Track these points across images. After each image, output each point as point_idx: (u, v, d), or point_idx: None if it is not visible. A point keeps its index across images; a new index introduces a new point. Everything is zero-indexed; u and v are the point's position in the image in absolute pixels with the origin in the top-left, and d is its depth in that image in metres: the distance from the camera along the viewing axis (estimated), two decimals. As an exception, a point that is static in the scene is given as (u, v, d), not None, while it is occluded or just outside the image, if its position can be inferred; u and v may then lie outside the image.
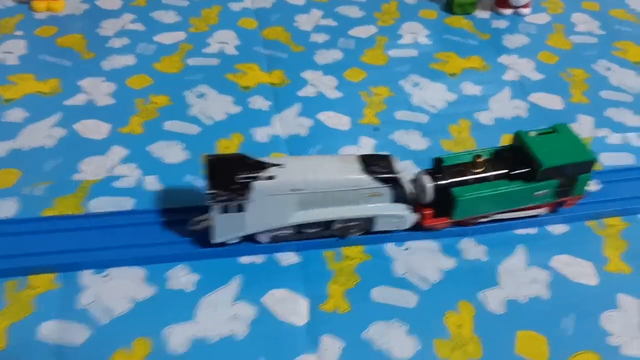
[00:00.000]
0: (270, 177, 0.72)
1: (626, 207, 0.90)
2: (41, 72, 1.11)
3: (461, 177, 0.80)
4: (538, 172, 0.79)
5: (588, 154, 0.82)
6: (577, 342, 0.73)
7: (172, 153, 0.95)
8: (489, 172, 0.80)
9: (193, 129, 1.00)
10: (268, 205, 0.74)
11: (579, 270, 0.82)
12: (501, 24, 1.33)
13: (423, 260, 0.82)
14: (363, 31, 1.29)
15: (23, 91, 1.07)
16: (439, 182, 0.79)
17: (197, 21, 1.28)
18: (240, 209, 0.73)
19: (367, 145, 0.99)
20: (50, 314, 0.72)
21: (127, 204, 0.86)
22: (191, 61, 1.17)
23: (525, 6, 1.35)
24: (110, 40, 1.21)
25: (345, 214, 0.78)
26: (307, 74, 1.15)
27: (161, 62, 1.16)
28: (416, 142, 1.01)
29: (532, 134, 0.82)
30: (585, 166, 0.82)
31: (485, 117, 1.07)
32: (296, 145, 0.98)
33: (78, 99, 1.06)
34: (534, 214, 0.86)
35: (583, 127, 1.06)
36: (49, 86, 1.08)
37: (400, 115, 1.07)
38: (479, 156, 0.80)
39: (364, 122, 1.05)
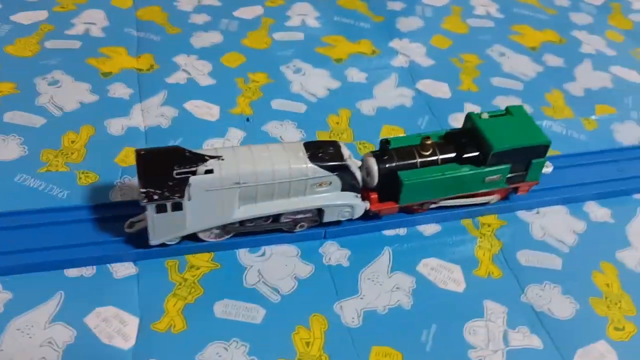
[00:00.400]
0: (209, 171, 0.66)
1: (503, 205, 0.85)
2: None
3: (409, 160, 0.75)
4: (489, 156, 0.75)
5: (542, 138, 0.77)
6: (435, 358, 0.67)
7: (6, 149, 0.84)
8: (437, 155, 0.76)
9: (37, 121, 0.89)
10: (209, 202, 0.68)
11: (447, 275, 0.76)
12: (397, 5, 1.26)
13: (279, 267, 0.74)
14: (248, 12, 1.19)
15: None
16: (385, 165, 0.74)
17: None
18: (178, 207, 0.66)
19: (235, 138, 0.91)
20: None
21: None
22: (49, 44, 1.05)
23: (422, -12, 1.28)
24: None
25: (292, 207, 0.72)
26: (180, 59, 1.05)
27: (15, 44, 1.04)
28: (289, 134, 0.93)
29: (484, 115, 0.78)
30: (540, 150, 0.77)
31: (367, 107, 1.00)
32: (155, 138, 0.89)
33: None
34: (484, 201, 0.82)
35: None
36: None
37: (277, 104, 0.98)
38: (427, 138, 0.76)
39: (236, 112, 0.96)
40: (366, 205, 0.76)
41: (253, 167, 0.68)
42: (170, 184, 0.65)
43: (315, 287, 0.73)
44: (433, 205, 0.80)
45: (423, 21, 1.22)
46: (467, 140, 0.77)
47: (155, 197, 0.64)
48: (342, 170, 0.72)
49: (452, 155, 0.77)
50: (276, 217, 0.73)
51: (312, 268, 0.75)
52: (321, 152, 0.71)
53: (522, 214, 0.85)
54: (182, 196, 0.65)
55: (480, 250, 0.80)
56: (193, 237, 0.72)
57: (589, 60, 1.17)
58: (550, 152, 0.81)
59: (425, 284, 0.75)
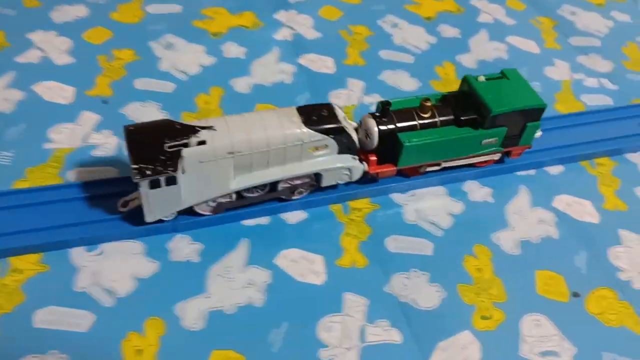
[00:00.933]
0: (202, 142, 0.64)
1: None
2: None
3: (408, 122, 0.75)
4: (487, 118, 0.75)
5: (538, 100, 0.77)
6: (281, 359, 0.61)
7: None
8: (436, 117, 0.76)
9: None
10: (203, 174, 0.66)
11: (307, 267, 0.70)
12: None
13: (117, 266, 0.67)
14: (122, -18, 1.10)
15: None
16: (385, 127, 0.73)
17: None
18: (172, 181, 0.64)
19: (87, 123, 0.83)
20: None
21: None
22: None
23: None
24: None
25: (289, 173, 0.70)
26: (36, 36, 0.95)
27: None
28: (151, 116, 0.85)
29: (481, 78, 0.78)
30: (535, 113, 0.78)
31: (242, 85, 0.92)
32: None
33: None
34: (480, 161, 0.81)
35: (352, 93, 0.94)
36: None
37: (141, 84, 0.90)
38: (426, 100, 0.75)
39: (92, 93, 0.87)
40: (364, 167, 0.75)
41: (247, 135, 0.66)
42: (163, 158, 0.62)
43: (157, 287, 0.66)
44: (430, 169, 0.79)
45: (315, -11, 1.15)
46: (465, 102, 0.77)
47: (148, 172, 0.62)
48: (338, 133, 0.70)
49: (451, 117, 0.76)
50: (273, 186, 0.72)
51: (156, 266, 0.68)
52: (315, 115, 0.69)
53: (396, 197, 0.80)
54: (175, 170, 0.63)
55: (346, 237, 0.74)
56: (189, 211, 0.70)
57: (486, 30, 1.12)
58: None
59: (282, 278, 0.69)
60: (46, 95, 0.86)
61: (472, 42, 1.08)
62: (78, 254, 0.68)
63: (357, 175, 0.74)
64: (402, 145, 0.73)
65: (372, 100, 0.93)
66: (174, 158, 0.63)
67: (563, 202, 0.83)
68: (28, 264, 0.66)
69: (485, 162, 0.82)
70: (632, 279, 0.75)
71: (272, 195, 0.73)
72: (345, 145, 0.72)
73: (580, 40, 1.14)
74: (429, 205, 0.79)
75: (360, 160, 0.74)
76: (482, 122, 0.76)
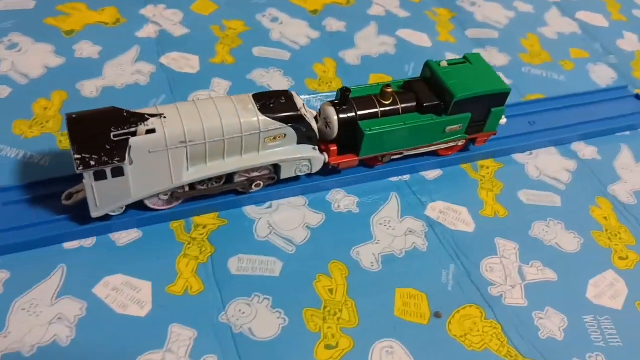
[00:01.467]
0: (151, 131, 0.59)
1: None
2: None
3: (369, 109, 0.71)
4: (451, 104, 0.72)
5: (502, 85, 0.75)
6: None
7: None
8: (398, 104, 0.72)
9: None
10: (153, 165, 0.61)
11: (131, 296, 0.62)
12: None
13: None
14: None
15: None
16: (345, 115, 0.70)
17: None
18: (119, 172, 0.59)
19: None
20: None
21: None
22: None
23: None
24: None
25: (246, 164, 0.66)
26: None
27: None
28: (-21, 125, 0.75)
29: (444, 64, 0.75)
30: (499, 98, 0.75)
31: (90, 88, 0.83)
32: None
33: None
34: (444, 148, 0.79)
35: (214, 95, 0.85)
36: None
37: (-29, 90, 0.80)
38: (387, 86, 0.72)
39: None
40: (325, 157, 0.71)
41: (200, 123, 0.61)
42: (108, 147, 0.58)
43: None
44: (395, 157, 0.76)
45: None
46: (428, 88, 0.74)
47: (92, 162, 0.57)
48: (297, 122, 0.66)
49: (413, 104, 0.73)
50: (229, 177, 0.67)
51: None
52: (272, 102, 0.65)
53: (249, 210, 0.72)
54: (122, 160, 0.58)
55: (183, 259, 0.66)
56: (140, 205, 0.65)
57: (375, 23, 1.05)
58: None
59: (99, 311, 0.60)
60: None
61: (358, 37, 1.01)
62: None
63: (317, 167, 0.71)
64: (363, 134, 0.70)
65: (236, 102, 0.84)
66: (121, 147, 0.58)
67: (437, 209, 0.76)
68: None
69: (450, 149, 0.79)
70: (503, 293, 0.68)
71: (228, 187, 0.68)
72: (305, 135, 0.68)
73: (478, 32, 1.08)
74: (284, 217, 0.71)
75: (321, 151, 0.71)
76: (446, 108, 0.73)
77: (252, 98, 0.65)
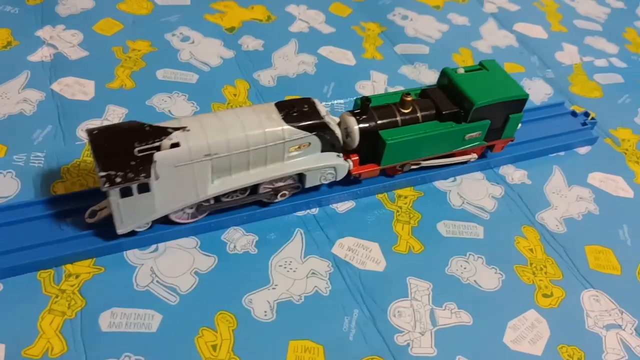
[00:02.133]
0: (175, 145, 0.58)
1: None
2: None
3: (389, 118, 0.71)
4: (470, 111, 0.72)
5: (520, 91, 0.75)
6: None
7: None
8: (417, 112, 0.72)
9: None
10: (178, 179, 0.59)
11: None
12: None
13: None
14: None
15: None
16: (365, 125, 0.69)
17: None
18: (145, 188, 0.58)
19: None
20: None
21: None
22: None
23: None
24: None
25: (271, 174, 0.64)
26: None
27: None
28: None
29: (460, 71, 0.75)
30: (517, 104, 0.75)
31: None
32: None
33: None
34: (463, 160, 0.79)
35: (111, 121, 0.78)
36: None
37: None
38: (407, 94, 0.71)
39: None
40: (350, 164, 0.69)
41: (224, 135, 0.59)
42: (133, 163, 0.56)
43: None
44: (414, 167, 0.76)
45: (94, 1, 0.98)
46: (446, 96, 0.74)
47: (118, 179, 0.56)
48: (321, 129, 0.65)
49: (432, 112, 0.73)
50: (254, 188, 0.66)
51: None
52: (296, 111, 0.64)
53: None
54: (148, 176, 0.57)
55: (48, 316, 0.58)
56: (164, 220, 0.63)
57: (296, 41, 0.98)
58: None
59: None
60: None
61: (276, 56, 0.94)
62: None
63: (341, 175, 0.69)
64: (384, 143, 0.69)
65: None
66: (146, 163, 0.56)
67: (345, 246, 0.69)
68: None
69: (466, 159, 0.79)
70: (411, 342, 0.61)
71: (253, 199, 0.67)
72: (329, 143, 0.66)
73: (408, 48, 1.02)
74: (169, 262, 0.64)
75: (345, 158, 0.70)
76: (465, 115, 0.72)
77: (275, 107, 0.64)
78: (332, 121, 0.66)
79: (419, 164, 0.75)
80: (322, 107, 0.66)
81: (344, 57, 0.97)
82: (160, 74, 0.86)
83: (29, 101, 0.79)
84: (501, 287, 0.68)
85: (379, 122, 0.70)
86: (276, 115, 0.63)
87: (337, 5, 1.08)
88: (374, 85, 0.92)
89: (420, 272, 0.68)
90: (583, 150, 0.89)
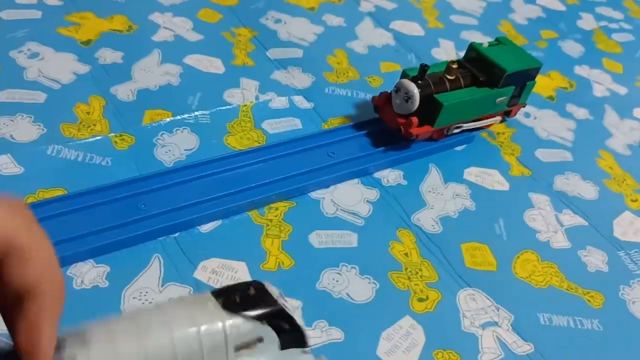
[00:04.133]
0: None
1: None
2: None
3: (440, 84, 0.80)
4: (503, 77, 0.83)
5: (535, 61, 0.87)
6: None
7: None
8: (460, 80, 0.82)
9: None
10: None
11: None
12: None
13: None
14: None
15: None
16: (422, 89, 0.77)
17: None
18: None
19: None
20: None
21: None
22: None
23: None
24: None
25: None
26: None
27: None
28: None
29: (485, 45, 0.86)
30: (533, 73, 0.88)
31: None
32: None
33: None
34: (491, 122, 0.89)
35: None
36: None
37: None
38: (453, 62, 0.82)
39: None
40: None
41: (140, 344, 0.41)
42: None
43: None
44: (455, 130, 0.84)
45: None
46: (478, 66, 0.84)
47: None
48: (276, 317, 0.46)
49: (470, 79, 0.83)
50: None
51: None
52: (239, 296, 0.46)
53: None
54: None
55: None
56: None
57: (159, 51, 0.92)
58: None
59: None
60: None
61: (136, 68, 0.88)
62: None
63: None
64: (441, 104, 0.77)
65: (-38, 163, 0.69)
66: None
67: (209, 269, 0.64)
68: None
69: (493, 122, 0.89)
70: None
71: None
72: (290, 336, 0.47)
73: (281, 53, 0.98)
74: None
75: (400, 130, 0.79)
76: (497, 81, 0.83)
77: (211, 295, 0.47)
78: (290, 305, 0.49)
79: (461, 126, 0.84)
80: (274, 289, 0.49)
81: (212, 65, 0.92)
82: (2, 95, 0.78)
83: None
84: (374, 296, 0.66)
85: (433, 87, 0.78)
86: (213, 305, 0.46)
87: (206, 11, 1.03)
88: (244, 93, 0.88)
89: (290, 289, 0.64)
90: (460, 147, 0.88)
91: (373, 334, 0.62)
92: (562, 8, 1.32)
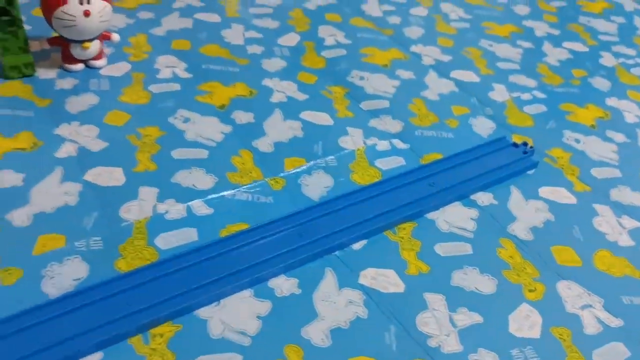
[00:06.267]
0: None
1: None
2: None
3: None
4: None
5: None
6: None
7: None
8: None
9: None
10: None
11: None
12: (67, 83, 1.12)
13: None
14: None
15: None
16: None
17: None
18: None
19: None
20: None
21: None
22: None
23: (97, 57, 1.16)
24: None
25: None
26: None
27: None
28: None
29: None
30: None
31: (21, 218, 0.85)
32: None
33: None
34: None
35: (144, 203, 0.89)
36: None
37: None
38: None
39: None
40: None
41: None
42: None
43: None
44: None
45: (98, 97, 1.10)
46: None
47: None
48: None
49: None
50: None
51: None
52: None
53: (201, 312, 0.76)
54: None
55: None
56: None
57: (279, 110, 1.14)
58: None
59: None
60: None
61: (267, 125, 1.09)
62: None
63: None
64: None
65: (167, 208, 0.89)
66: None
67: (368, 276, 0.84)
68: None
69: None
70: (441, 343, 0.77)
71: None
72: None
73: (371, 104, 1.20)
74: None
75: None
76: None
77: None
78: None
79: None
80: None
81: (323, 118, 1.13)
82: (176, 153, 0.99)
83: (69, 194, 0.89)
84: (497, 290, 0.85)
85: None
86: None
87: (303, 74, 1.25)
88: (353, 139, 1.09)
89: (424, 288, 0.84)
90: (531, 172, 1.09)
91: (502, 316, 0.82)
92: (585, 49, 1.55)
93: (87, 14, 1.05)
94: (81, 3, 1.05)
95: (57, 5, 1.05)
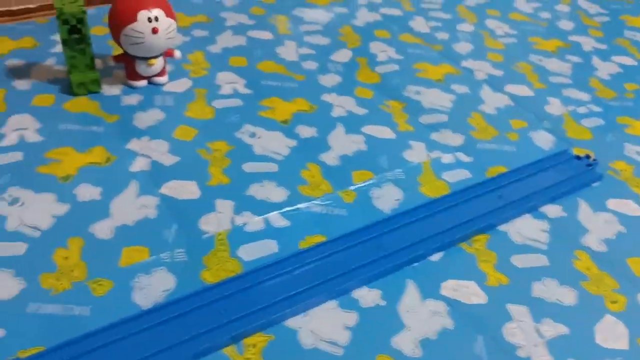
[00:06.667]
0: None
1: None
2: None
3: None
4: None
5: None
6: None
7: None
8: None
9: None
10: None
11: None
12: (133, 99, 1.14)
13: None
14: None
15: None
16: None
17: None
18: None
19: None
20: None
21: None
22: None
23: (160, 74, 1.18)
24: None
25: None
26: None
27: None
28: (3, 288, 0.76)
29: None
30: None
31: (103, 230, 0.86)
32: None
33: None
34: None
35: (222, 216, 0.90)
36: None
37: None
38: None
39: None
40: None
41: None
42: None
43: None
44: None
45: (164, 113, 1.11)
46: None
47: None
48: None
49: None
50: None
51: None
52: None
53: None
54: None
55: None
56: None
57: (341, 124, 1.14)
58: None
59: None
60: None
61: (330, 139, 1.10)
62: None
63: None
64: None
65: (245, 220, 0.90)
66: None
67: (449, 288, 0.83)
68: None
69: None
70: (531, 354, 0.76)
71: None
72: None
73: (430, 118, 1.20)
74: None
75: None
76: None
77: None
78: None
79: None
80: None
81: (384, 132, 1.14)
82: (246, 167, 1.00)
83: (147, 206, 0.90)
84: (578, 302, 0.84)
85: None
86: None
87: (359, 89, 1.26)
88: (417, 152, 1.09)
89: (507, 297, 0.83)
90: (596, 184, 1.08)
91: (588, 328, 0.81)
92: (634, 63, 1.55)
93: (155, 31, 1.07)
94: (150, 21, 1.07)
95: (127, 22, 1.07)
